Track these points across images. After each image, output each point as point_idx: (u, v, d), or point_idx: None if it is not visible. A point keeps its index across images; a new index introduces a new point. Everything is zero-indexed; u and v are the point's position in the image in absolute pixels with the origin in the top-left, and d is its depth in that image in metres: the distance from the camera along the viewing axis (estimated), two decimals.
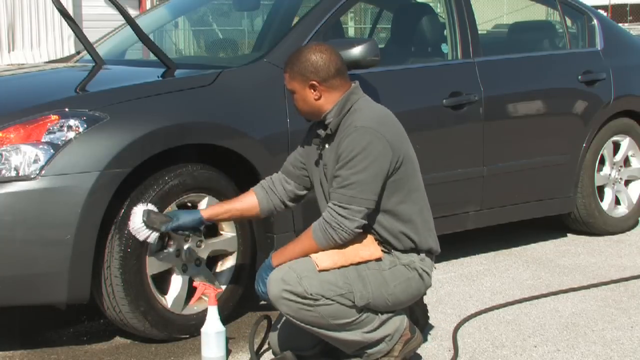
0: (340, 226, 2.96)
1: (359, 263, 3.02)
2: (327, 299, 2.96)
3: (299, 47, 3.24)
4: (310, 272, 2.96)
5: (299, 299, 2.95)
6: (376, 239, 3.10)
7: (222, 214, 3.34)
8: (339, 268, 2.99)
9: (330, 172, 3.09)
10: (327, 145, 3.13)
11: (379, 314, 3.08)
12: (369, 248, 3.05)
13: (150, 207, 3.34)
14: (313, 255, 3.00)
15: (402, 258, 3.11)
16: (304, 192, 3.33)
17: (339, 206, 2.97)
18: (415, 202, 3.12)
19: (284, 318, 3.27)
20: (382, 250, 3.08)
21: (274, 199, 3.32)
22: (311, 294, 2.94)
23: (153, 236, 3.28)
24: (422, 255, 3.15)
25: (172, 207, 3.50)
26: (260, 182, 3.38)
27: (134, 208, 3.31)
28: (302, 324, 3.01)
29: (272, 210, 3.34)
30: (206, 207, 3.55)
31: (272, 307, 3.06)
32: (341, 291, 2.98)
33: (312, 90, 3.10)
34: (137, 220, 3.26)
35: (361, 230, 3.02)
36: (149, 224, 3.25)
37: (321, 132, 3.15)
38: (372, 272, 3.03)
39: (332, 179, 3.07)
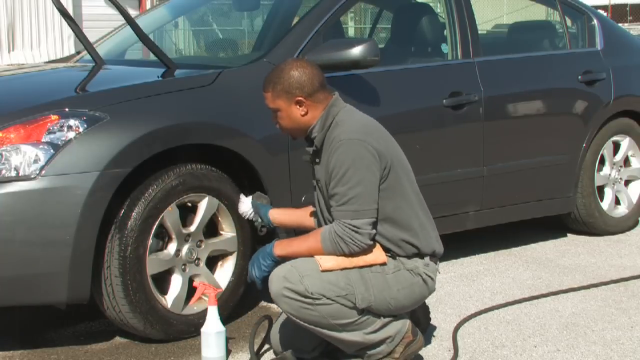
0: (353, 241, 2.97)
1: (362, 266, 3.02)
2: (327, 298, 2.96)
3: (276, 65, 3.19)
4: (312, 271, 2.97)
5: (300, 297, 2.95)
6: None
7: (286, 220, 3.44)
8: (341, 270, 3.00)
9: (323, 187, 3.10)
10: (317, 160, 3.14)
11: (381, 317, 3.08)
12: (374, 252, 3.05)
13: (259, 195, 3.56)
14: (317, 256, 3.01)
15: (407, 263, 3.11)
16: None
17: (348, 223, 2.96)
18: (410, 207, 3.11)
19: (284, 319, 3.27)
20: (386, 256, 3.08)
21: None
22: (312, 293, 2.95)
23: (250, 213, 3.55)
24: (427, 260, 3.15)
25: (172, 207, 3.50)
26: None
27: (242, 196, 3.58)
28: (303, 323, 3.01)
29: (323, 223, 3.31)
30: (206, 206, 3.59)
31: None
32: (342, 292, 2.98)
33: (299, 107, 3.08)
34: (248, 209, 3.53)
35: (372, 242, 3.03)
36: (254, 201, 3.53)
37: (309, 149, 3.16)
38: (375, 275, 3.03)
39: (327, 195, 3.07)
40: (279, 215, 3.45)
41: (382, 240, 3.08)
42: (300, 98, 3.07)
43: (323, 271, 2.97)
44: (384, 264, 3.05)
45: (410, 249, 3.11)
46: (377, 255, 3.05)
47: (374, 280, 3.03)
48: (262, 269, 3.08)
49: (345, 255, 3.00)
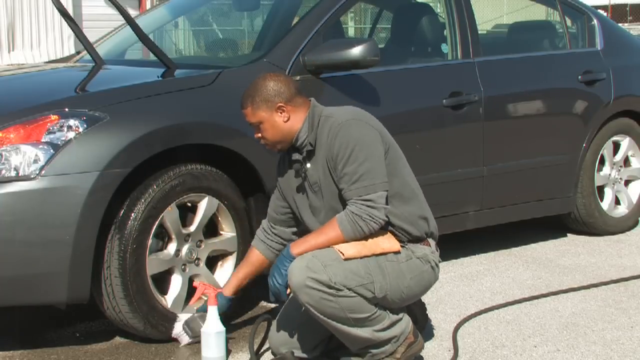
0: (371, 217, 2.99)
1: (379, 254, 3.05)
2: (349, 289, 2.97)
3: (250, 82, 3.20)
4: (334, 261, 2.98)
5: (323, 288, 2.95)
6: (393, 233, 3.13)
7: (243, 283, 3.39)
8: (361, 258, 3.02)
9: (322, 183, 3.11)
10: (308, 165, 3.15)
11: (389, 314, 3.09)
12: (389, 240, 3.09)
13: (190, 315, 3.46)
14: (336, 245, 3.02)
15: (416, 251, 3.15)
16: (295, 228, 3.37)
17: (363, 199, 2.99)
18: (412, 181, 3.20)
19: (284, 318, 3.27)
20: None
21: (274, 245, 3.36)
22: (335, 283, 2.95)
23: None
24: (433, 247, 3.21)
25: (172, 208, 3.50)
26: (256, 234, 3.42)
27: (179, 315, 3.49)
28: (320, 315, 3.01)
29: (277, 254, 3.34)
30: (206, 206, 3.58)
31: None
32: (363, 281, 3.00)
33: (280, 113, 3.11)
34: (180, 330, 3.45)
35: (387, 219, 3.05)
36: (194, 335, 3.40)
37: (297, 155, 3.16)
38: (390, 264, 3.07)
39: (329, 190, 3.09)
40: (234, 281, 3.39)
41: (397, 221, 3.11)
42: (281, 104, 3.10)
43: (346, 259, 2.98)
44: (398, 252, 3.10)
45: (424, 226, 3.17)
46: (392, 243, 3.10)
47: (389, 268, 3.06)
48: (283, 273, 3.04)
49: (364, 236, 3.02)
